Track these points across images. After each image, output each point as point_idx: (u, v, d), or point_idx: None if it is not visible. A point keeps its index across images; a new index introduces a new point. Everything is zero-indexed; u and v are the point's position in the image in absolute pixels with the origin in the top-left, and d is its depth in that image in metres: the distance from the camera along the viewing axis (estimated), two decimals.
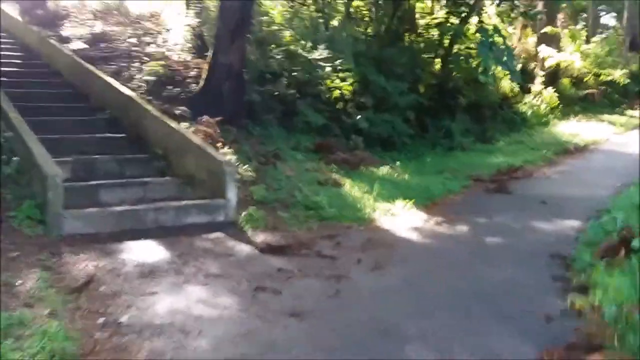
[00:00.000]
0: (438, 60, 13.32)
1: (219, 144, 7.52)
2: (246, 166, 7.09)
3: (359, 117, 10.13)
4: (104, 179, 6.14)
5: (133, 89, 8.72)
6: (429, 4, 14.29)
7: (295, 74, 10.16)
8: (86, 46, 10.77)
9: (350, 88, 10.43)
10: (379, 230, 5.98)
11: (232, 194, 5.88)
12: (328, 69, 10.21)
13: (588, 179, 9.07)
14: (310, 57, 10.25)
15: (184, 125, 7.78)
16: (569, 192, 8.06)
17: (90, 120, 7.80)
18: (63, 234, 4.80)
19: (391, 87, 10.68)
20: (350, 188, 7.34)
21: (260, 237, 5.40)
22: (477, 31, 12.17)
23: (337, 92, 10.33)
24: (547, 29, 16.57)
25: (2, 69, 9.30)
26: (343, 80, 10.44)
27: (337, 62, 10.39)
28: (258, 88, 9.49)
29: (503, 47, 11.44)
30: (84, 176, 6.19)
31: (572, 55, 16.43)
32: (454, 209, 7.12)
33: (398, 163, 9.24)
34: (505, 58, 11.40)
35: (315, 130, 9.72)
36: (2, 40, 11.60)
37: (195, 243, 5.06)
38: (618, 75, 17.13)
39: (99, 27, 11.83)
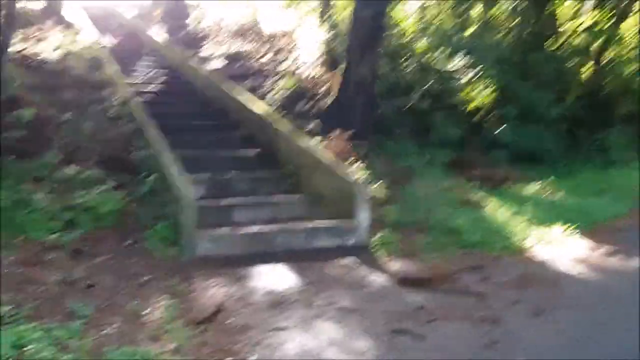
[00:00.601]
0: (586, 67, 12.03)
1: (350, 160, 7.21)
2: (377, 184, 6.68)
3: (500, 129, 9.32)
4: (237, 198, 6.07)
5: (266, 106, 8.75)
6: (572, 7, 13.00)
7: (429, 85, 9.63)
8: (223, 65, 11.09)
9: (489, 98, 9.66)
10: (534, 262, 5.21)
11: (364, 216, 5.50)
12: (466, 78, 9.52)
13: None
14: (444, 69, 9.64)
15: (315, 140, 7.60)
16: None
17: (227, 138, 7.86)
18: (195, 256, 4.71)
19: (537, 96, 9.72)
20: (495, 209, 6.63)
21: (395, 265, 4.94)
22: None
23: (475, 103, 9.62)
24: None
25: (146, 89, 9.83)
26: (482, 90, 9.71)
27: (474, 70, 9.69)
28: (390, 101, 9.09)
29: None
30: (218, 194, 6.16)
31: None
32: (623, 236, 6.10)
33: (550, 179, 8.25)
34: None
35: (451, 144, 9.10)
36: (150, 62, 12.36)
37: (326, 270, 4.72)
38: None
39: (234, 46, 12.18)
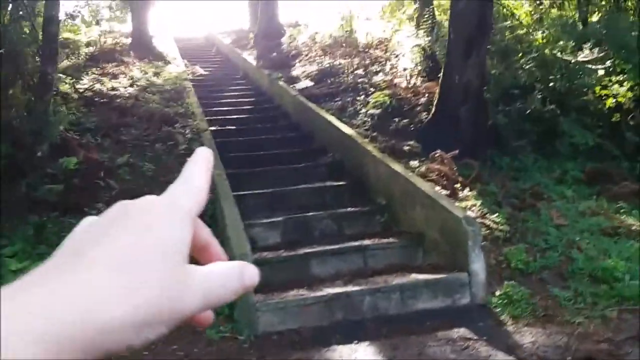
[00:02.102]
0: None
1: (457, 185, 5.90)
2: (495, 215, 5.30)
3: None
4: (318, 242, 5.02)
5: (357, 126, 7.66)
6: None
7: (552, 84, 8.00)
8: (312, 84, 10.20)
9: (630, 94, 7.82)
10: None
11: (478, 264, 4.19)
12: (600, 72, 7.79)
13: None
14: (572, 60, 7.96)
15: (413, 163, 6.37)
16: None
17: (310, 167, 6.89)
18: (257, 333, 3.68)
19: None
20: None
21: (527, 337, 3.59)
22: None
23: (611, 101, 7.84)
24: None
25: (233, 116, 9.17)
26: (620, 84, 7.89)
27: (609, 62, 7.91)
28: (504, 108, 7.60)
29: None
30: (296, 239, 5.15)
31: None
32: None
33: None
34: None
35: (585, 153, 7.40)
36: (239, 86, 11.85)
37: (430, 349, 3.48)
38: None
39: (326, 62, 11.27)
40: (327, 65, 10.90)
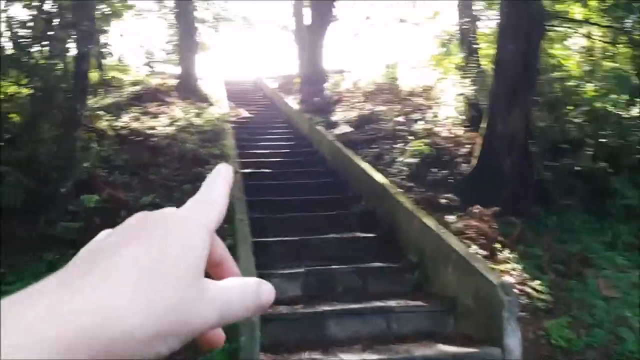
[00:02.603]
0: None
1: (497, 245, 5.46)
2: (537, 282, 4.83)
3: None
4: (339, 299, 4.67)
5: (393, 175, 7.35)
6: None
7: (603, 140, 7.52)
8: (351, 129, 10.00)
9: None
10: None
11: (513, 339, 3.74)
12: None
13: None
14: (625, 115, 7.49)
15: (449, 218, 5.98)
16: None
17: (341, 216, 6.58)
18: None
19: None
20: None
21: None
22: None
23: None
24: None
25: (270, 159, 9.02)
26: None
27: None
28: (551, 163, 7.16)
29: None
30: (316, 293, 4.81)
31: None
32: None
33: None
34: None
35: (639, 216, 6.83)
36: (280, 129, 11.78)
37: None
38: None
39: (367, 108, 11.09)
40: (368, 111, 10.72)
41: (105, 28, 8.33)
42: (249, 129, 11.38)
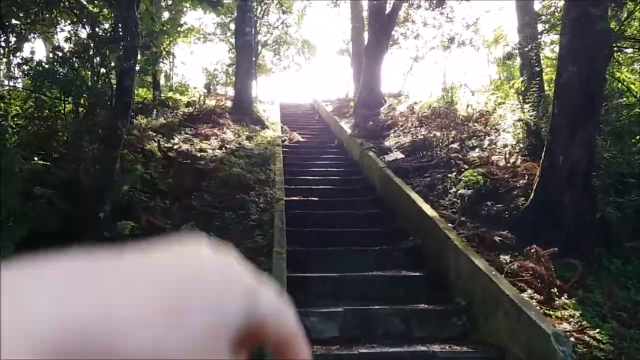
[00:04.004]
0: None
1: (554, 290, 5.05)
2: (597, 331, 4.40)
3: None
4: (380, 342, 4.41)
5: (444, 207, 7.03)
6: None
7: None
8: (403, 156, 9.73)
9: None
10: None
11: None
12: None
13: None
14: None
15: (504, 258, 5.61)
16: None
17: (386, 250, 6.32)
18: None
19: None
20: None
21: None
22: None
23: None
24: None
25: (319, 186, 8.86)
26: None
27: None
28: (616, 199, 6.63)
29: None
30: (355, 335, 4.57)
31: None
32: None
33: None
34: None
35: None
36: (332, 154, 11.64)
37: None
38: None
39: (421, 133, 10.79)
40: (421, 137, 10.41)
41: (162, 48, 8.51)
42: (301, 153, 11.31)
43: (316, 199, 8.19)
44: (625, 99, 8.49)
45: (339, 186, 9.13)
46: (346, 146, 12.09)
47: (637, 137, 7.79)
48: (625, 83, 8.73)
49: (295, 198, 7.92)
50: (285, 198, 7.42)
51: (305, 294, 5.08)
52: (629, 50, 9.05)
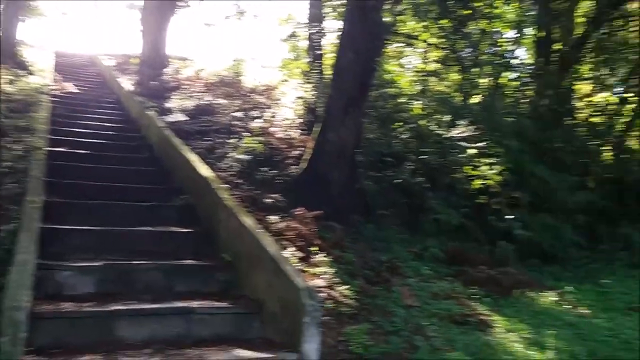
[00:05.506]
0: (608, 150, 10.45)
1: (313, 249, 5.41)
2: (346, 287, 4.85)
3: (510, 217, 7.56)
4: (138, 298, 4.24)
5: (222, 170, 7.04)
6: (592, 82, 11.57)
7: (425, 157, 7.96)
8: (186, 119, 9.48)
9: (499, 178, 7.95)
10: None
11: (311, 344, 3.65)
12: (471, 151, 7.85)
13: None
14: (445, 136, 8.00)
15: (272, 218, 5.84)
16: None
17: (158, 207, 6.10)
18: None
19: (555, 180, 8.03)
20: (504, 335, 4.76)
21: None
22: None
23: (479, 182, 7.93)
24: None
25: (91, 139, 8.16)
26: (488, 167, 8.02)
27: (482, 143, 8.04)
28: (375, 174, 7.38)
29: None
30: (113, 291, 4.33)
31: None
32: None
33: (570, 288, 6.50)
34: None
35: (449, 232, 7.33)
36: (109, 109, 10.85)
37: None
38: None
39: (206, 99, 10.64)
40: (206, 102, 10.29)
41: None
42: (73, 105, 10.33)
43: (86, 152, 7.55)
44: (391, 89, 9.45)
45: (113, 141, 8.54)
46: (126, 103, 11.37)
47: (398, 124, 8.75)
48: (392, 75, 9.73)
49: (61, 149, 7.21)
50: (49, 148, 6.71)
51: (63, 247, 4.66)
52: (400, 45, 10.08)
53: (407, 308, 4.87)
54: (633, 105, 10.34)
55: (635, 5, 10.45)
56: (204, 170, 6.36)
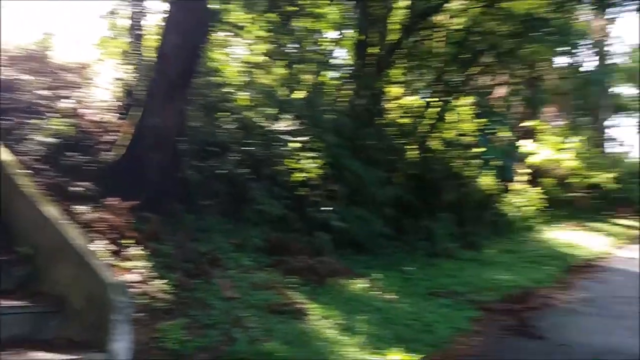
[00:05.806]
0: (412, 149, 11.47)
1: (128, 241, 5.09)
2: (163, 281, 4.63)
3: (327, 209, 7.91)
4: None
5: (22, 154, 6.27)
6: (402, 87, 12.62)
7: (249, 148, 7.96)
8: None
9: (319, 172, 8.26)
10: None
11: (121, 343, 3.43)
12: (293, 144, 8.04)
13: (629, 314, 6.54)
14: (269, 128, 8.10)
15: (81, 208, 5.36)
16: (617, 341, 5.55)
17: None
18: None
19: (367, 175, 8.58)
20: (319, 321, 4.96)
21: None
22: (477, 115, 10.48)
23: (299, 175, 8.16)
24: (530, 122, 15.21)
25: None
26: (309, 161, 8.29)
27: (304, 138, 8.28)
28: (199, 163, 7.19)
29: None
30: None
31: (560, 153, 14.98)
32: None
33: (379, 275, 7.01)
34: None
35: (270, 222, 7.43)
36: None
37: None
38: (605, 178, 15.73)
39: (8, 73, 9.43)
40: (6, 77, 9.12)
41: None
42: None
43: None
44: (217, 78, 9.28)
45: None
46: None
47: (223, 113, 8.62)
48: (218, 63, 9.56)
49: None
50: None
51: None
52: (227, 35, 9.94)
53: (226, 300, 4.82)
54: (436, 109, 11.45)
55: (440, 17, 11.61)
56: (1, 153, 5.61)
